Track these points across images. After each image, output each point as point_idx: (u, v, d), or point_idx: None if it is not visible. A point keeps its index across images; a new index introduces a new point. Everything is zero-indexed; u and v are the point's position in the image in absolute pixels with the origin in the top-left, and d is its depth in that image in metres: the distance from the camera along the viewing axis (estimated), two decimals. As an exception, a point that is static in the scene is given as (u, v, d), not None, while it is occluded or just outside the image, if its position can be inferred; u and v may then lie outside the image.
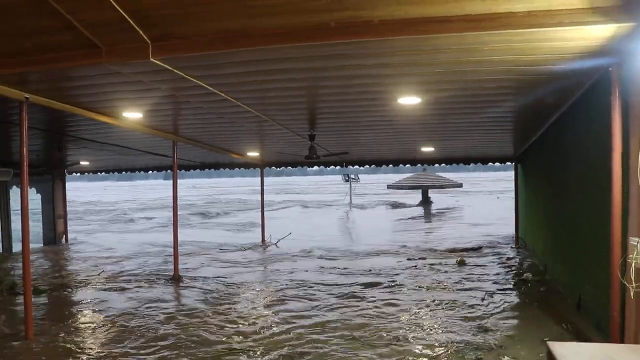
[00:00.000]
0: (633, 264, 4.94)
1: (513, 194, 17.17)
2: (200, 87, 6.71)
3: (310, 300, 9.38)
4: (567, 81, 6.47)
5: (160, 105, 8.17)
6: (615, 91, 5.44)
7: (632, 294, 4.97)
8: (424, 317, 8.10)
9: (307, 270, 12.43)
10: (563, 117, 8.64)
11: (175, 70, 5.88)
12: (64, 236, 19.30)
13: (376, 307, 8.80)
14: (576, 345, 4.54)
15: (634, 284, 4.92)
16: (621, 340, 5.30)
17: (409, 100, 7.65)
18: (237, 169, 19.29)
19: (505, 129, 10.85)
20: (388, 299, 9.28)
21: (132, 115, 8.68)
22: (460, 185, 38.36)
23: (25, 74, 6.19)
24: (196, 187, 77.28)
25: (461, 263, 12.89)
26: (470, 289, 9.89)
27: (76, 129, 10.39)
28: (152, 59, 5.31)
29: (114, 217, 33.18)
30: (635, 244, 4.96)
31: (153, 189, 72.29)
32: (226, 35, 4.96)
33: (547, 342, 4.53)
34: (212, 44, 5.04)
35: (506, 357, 6.14)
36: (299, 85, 7.00)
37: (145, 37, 5.01)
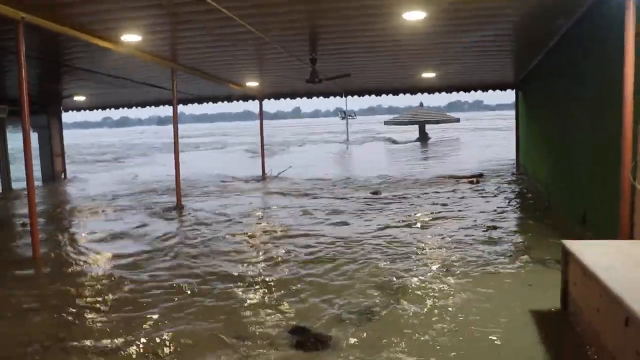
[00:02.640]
0: (645, 166, 4.97)
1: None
2: (203, 3, 6.51)
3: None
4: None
5: (161, 26, 7.98)
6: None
7: (644, 194, 5.02)
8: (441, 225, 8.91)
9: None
10: (571, 33, 8.48)
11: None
12: (63, 174, 19.25)
13: (395, 214, 9.96)
14: (590, 242, 4.59)
15: (646, 185, 4.96)
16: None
17: (414, 15, 7.46)
18: (235, 101, 19.01)
19: (508, 48, 10.67)
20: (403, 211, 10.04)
21: (131, 38, 8.46)
22: (458, 120, 38.29)
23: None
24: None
25: (471, 182, 13.98)
26: (473, 210, 10.14)
27: (73, 57, 10.16)
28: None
29: (109, 157, 33.07)
30: (648, 147, 4.98)
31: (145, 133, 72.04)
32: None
33: (562, 241, 4.58)
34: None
35: (526, 256, 6.65)
36: (302, -1, 6.80)
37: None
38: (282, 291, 5.71)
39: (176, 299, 5.52)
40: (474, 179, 14.31)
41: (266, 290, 5.77)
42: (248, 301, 5.44)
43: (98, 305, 5.39)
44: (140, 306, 5.34)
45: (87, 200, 13.45)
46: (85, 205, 12.64)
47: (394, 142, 37.68)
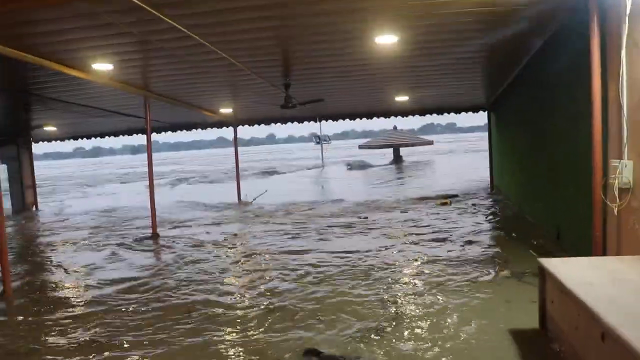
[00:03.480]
0: (616, 184, 5.04)
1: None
2: (174, 30, 6.50)
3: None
4: (545, 7, 6.39)
5: (133, 54, 7.94)
6: (593, 16, 5.45)
7: (615, 211, 5.09)
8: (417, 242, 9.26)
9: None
10: (541, 54, 8.65)
11: (148, 8, 5.67)
12: (34, 205, 18.93)
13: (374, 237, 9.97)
14: (566, 259, 4.62)
15: (618, 202, 5.03)
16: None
17: (386, 39, 7.55)
18: (209, 128, 18.94)
19: (480, 70, 10.85)
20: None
21: (103, 67, 8.41)
22: (431, 143, 38.70)
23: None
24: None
25: (444, 204, 14.01)
26: (450, 229, 10.31)
27: (43, 86, 10.04)
28: (124, -6, 5.16)
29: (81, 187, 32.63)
30: (617, 164, 5.05)
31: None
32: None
33: (538, 259, 4.62)
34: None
35: (506, 271, 6.85)
36: (273, 25, 6.78)
37: (118, -32, 4.82)
38: (282, 314, 5.75)
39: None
40: (448, 200, 14.43)
41: (268, 314, 5.78)
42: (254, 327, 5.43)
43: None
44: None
45: (61, 232, 13.18)
46: (60, 237, 12.38)
47: (369, 165, 37.87)
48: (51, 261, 9.59)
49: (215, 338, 5.15)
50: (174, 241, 10.66)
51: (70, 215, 16.94)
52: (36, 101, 11.80)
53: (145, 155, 12.05)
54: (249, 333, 5.22)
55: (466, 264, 7.37)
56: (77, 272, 8.46)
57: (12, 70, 8.56)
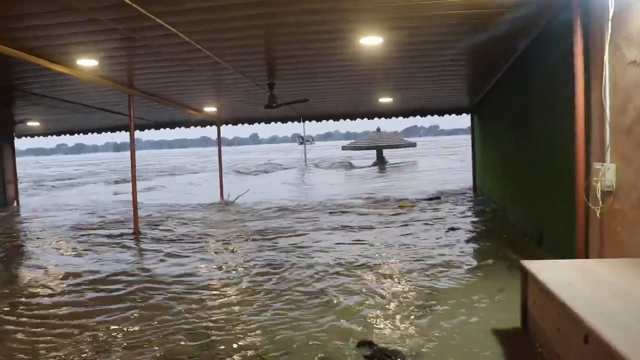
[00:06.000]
0: (599, 186, 5.09)
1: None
2: (159, 28, 6.46)
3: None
4: (528, 10, 6.44)
5: (117, 50, 7.89)
6: (577, 19, 5.51)
7: (598, 214, 5.14)
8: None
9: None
10: (525, 56, 8.71)
11: (133, 5, 5.64)
12: (15, 201, 18.68)
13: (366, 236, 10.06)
14: (548, 262, 4.66)
15: (600, 204, 5.08)
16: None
17: (370, 41, 7.58)
18: (193, 127, 18.84)
19: (464, 72, 10.92)
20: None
21: (87, 62, 8.33)
22: (414, 145, 38.83)
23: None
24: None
25: (404, 206, 14.10)
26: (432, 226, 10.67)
27: (27, 81, 9.93)
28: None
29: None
30: (600, 167, 5.10)
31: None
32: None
33: (521, 260, 4.66)
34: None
35: (491, 259, 7.31)
36: (258, 24, 6.77)
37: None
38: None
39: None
40: (406, 204, 14.43)
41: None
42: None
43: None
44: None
45: (43, 228, 13.01)
46: (43, 232, 12.21)
47: (352, 166, 37.92)
48: (33, 254, 9.46)
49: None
50: (152, 239, 10.67)
51: (58, 211, 16.76)
52: (20, 96, 11.67)
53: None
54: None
55: (452, 258, 7.71)
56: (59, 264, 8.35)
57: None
